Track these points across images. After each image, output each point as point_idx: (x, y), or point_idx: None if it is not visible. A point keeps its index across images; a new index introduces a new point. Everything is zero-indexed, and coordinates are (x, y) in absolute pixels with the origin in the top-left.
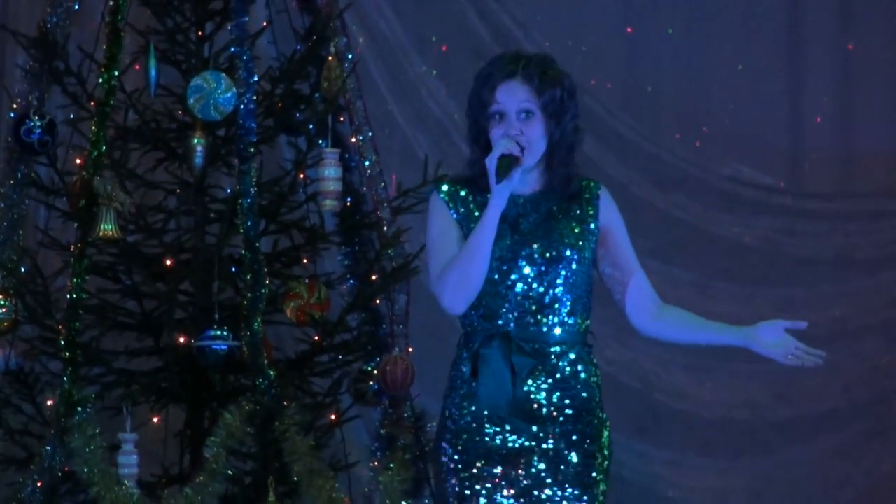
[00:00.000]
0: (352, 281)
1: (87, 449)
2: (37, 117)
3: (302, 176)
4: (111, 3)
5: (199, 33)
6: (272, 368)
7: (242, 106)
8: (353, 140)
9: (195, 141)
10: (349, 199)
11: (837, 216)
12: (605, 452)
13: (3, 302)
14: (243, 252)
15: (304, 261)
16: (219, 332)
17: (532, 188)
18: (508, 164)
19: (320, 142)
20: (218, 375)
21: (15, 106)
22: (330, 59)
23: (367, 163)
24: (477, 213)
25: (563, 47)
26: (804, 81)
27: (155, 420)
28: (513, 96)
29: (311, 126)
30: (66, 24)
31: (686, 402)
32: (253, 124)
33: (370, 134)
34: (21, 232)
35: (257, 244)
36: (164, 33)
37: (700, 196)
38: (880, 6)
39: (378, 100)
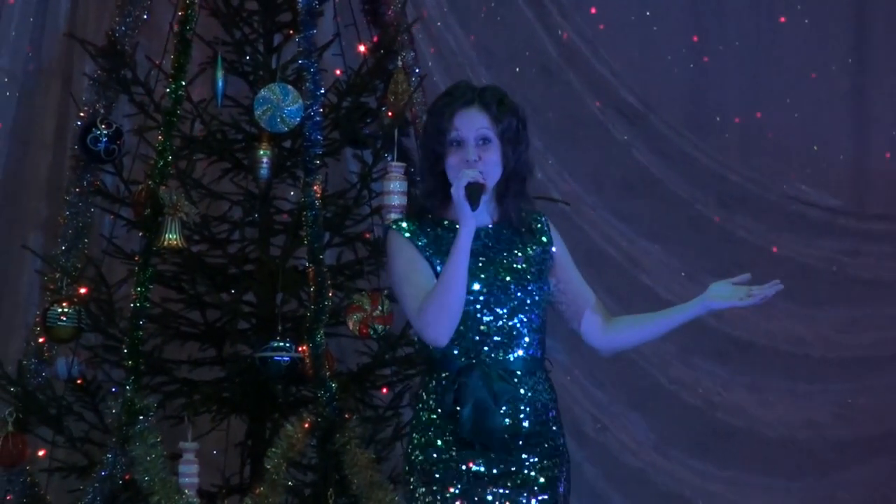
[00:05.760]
0: None
1: (148, 457)
2: (103, 126)
3: (367, 189)
4: (180, 13)
5: (267, 45)
6: (334, 381)
7: (309, 118)
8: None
9: (261, 152)
10: None
11: None
12: (566, 469)
13: (66, 310)
14: (307, 264)
15: (368, 273)
16: (281, 344)
17: (491, 219)
18: (477, 191)
19: (386, 155)
20: (280, 387)
21: (82, 114)
22: (397, 72)
23: None
24: (446, 242)
25: (630, 65)
26: (870, 104)
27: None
28: (471, 123)
29: (377, 139)
30: (134, 33)
31: (747, 422)
32: (319, 137)
33: None
34: (86, 240)
35: (321, 256)
36: (233, 44)
37: (763, 216)
38: None
39: None
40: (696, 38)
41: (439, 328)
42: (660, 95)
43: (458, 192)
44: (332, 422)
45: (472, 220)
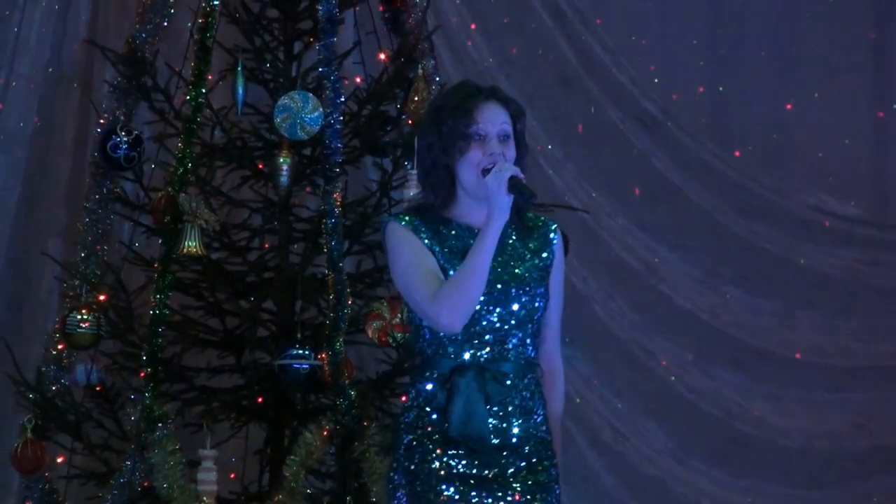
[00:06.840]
0: None
1: (167, 465)
2: (123, 133)
3: (387, 197)
4: (200, 20)
5: (288, 53)
6: (353, 388)
7: (329, 126)
8: None
9: (281, 160)
10: None
11: None
12: (555, 473)
13: (86, 317)
14: (326, 272)
15: (387, 281)
16: (301, 351)
17: None
18: (520, 184)
19: (406, 163)
20: (299, 394)
21: (102, 121)
22: (417, 80)
23: None
24: (449, 239)
25: (650, 73)
26: (890, 113)
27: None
28: (495, 118)
29: (397, 147)
30: (154, 40)
31: (766, 431)
32: (339, 144)
33: None
34: (105, 247)
35: (341, 264)
36: (253, 52)
37: (783, 225)
38: None
39: None
40: (716, 48)
41: (456, 312)
42: (680, 104)
43: (498, 181)
44: (351, 430)
45: (506, 211)
